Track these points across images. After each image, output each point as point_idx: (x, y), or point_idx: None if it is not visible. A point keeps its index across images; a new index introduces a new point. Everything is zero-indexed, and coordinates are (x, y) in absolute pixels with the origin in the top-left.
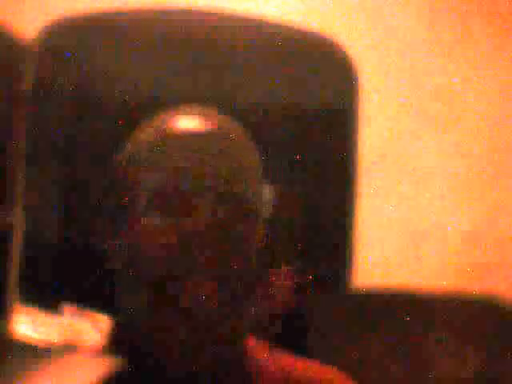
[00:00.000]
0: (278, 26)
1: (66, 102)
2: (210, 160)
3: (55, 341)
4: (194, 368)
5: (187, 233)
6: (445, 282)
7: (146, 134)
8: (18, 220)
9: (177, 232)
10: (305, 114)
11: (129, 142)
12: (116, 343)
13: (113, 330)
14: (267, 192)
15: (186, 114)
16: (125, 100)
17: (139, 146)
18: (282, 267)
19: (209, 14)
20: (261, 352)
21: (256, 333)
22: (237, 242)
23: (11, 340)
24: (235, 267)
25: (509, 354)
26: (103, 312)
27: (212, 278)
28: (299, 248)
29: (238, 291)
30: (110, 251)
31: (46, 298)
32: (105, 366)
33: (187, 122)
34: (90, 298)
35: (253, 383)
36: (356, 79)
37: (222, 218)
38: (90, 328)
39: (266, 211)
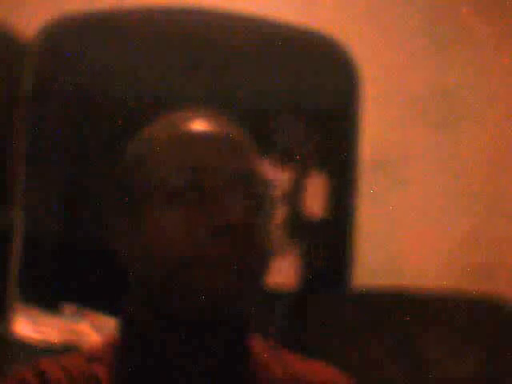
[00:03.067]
0: (277, 26)
1: (66, 102)
2: (223, 158)
3: (55, 341)
4: (198, 366)
5: (202, 229)
6: (445, 282)
7: (158, 133)
8: (18, 220)
9: (192, 228)
10: (305, 114)
11: (139, 140)
12: (124, 340)
13: (120, 328)
14: (272, 189)
15: (196, 114)
16: (125, 100)
17: (153, 144)
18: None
19: (209, 13)
20: (263, 351)
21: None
22: (251, 237)
23: (11, 340)
24: (248, 261)
25: (509, 354)
26: (103, 312)
27: (226, 271)
28: (301, 248)
29: (249, 285)
30: (124, 249)
31: (46, 298)
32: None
33: (198, 122)
34: (90, 298)
35: (255, 383)
36: (356, 79)
37: (235, 214)
38: (89, 328)
39: (273, 207)
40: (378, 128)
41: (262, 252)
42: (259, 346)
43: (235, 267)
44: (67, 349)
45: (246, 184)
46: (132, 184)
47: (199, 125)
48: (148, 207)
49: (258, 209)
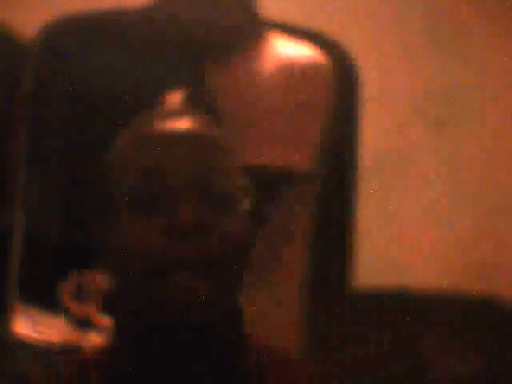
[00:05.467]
0: (277, 26)
1: (66, 102)
2: (189, 159)
3: (55, 341)
4: (194, 367)
5: (170, 232)
6: (445, 282)
7: (126, 135)
8: (18, 220)
9: (159, 232)
10: None
11: (114, 142)
12: (116, 345)
13: (113, 333)
14: (248, 187)
15: (165, 114)
16: (124, 100)
17: (121, 146)
18: None
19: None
20: (261, 351)
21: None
22: (220, 239)
23: (11, 340)
24: (221, 262)
25: (509, 353)
26: (103, 312)
27: (199, 274)
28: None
29: (226, 286)
30: (100, 251)
31: (46, 298)
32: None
33: (166, 122)
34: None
35: (254, 383)
36: (355, 80)
37: (203, 216)
38: (89, 328)
39: (247, 205)
40: (378, 128)
41: (228, 252)
42: (258, 346)
43: (197, 270)
44: (67, 349)
45: (204, 185)
46: (103, 186)
47: (161, 126)
48: (114, 211)
49: (221, 208)
